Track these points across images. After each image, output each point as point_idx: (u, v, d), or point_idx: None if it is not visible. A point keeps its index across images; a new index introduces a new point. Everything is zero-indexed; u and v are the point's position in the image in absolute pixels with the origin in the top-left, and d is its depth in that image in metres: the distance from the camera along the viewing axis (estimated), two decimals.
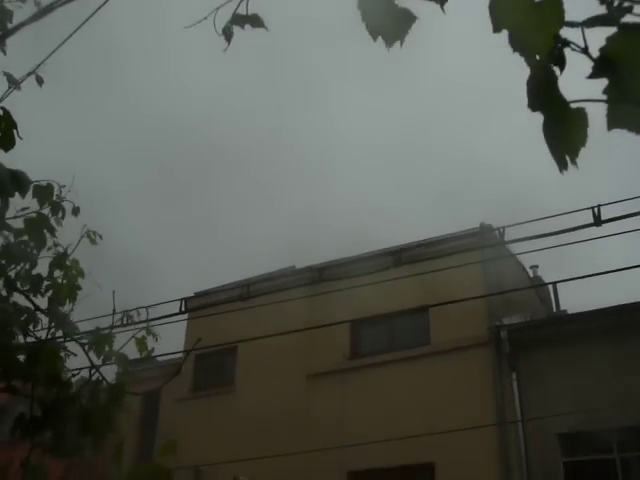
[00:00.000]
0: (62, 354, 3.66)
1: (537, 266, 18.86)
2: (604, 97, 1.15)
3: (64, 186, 4.00)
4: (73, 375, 3.51)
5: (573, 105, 1.18)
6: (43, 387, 3.43)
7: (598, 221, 5.16)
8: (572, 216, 5.66)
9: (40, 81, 3.65)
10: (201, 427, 16.89)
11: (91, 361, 3.60)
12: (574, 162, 1.22)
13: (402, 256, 10.42)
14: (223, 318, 14.24)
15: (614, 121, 1.15)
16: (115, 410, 3.35)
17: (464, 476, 13.52)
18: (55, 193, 3.74)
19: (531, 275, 18.94)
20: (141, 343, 3.89)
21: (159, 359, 19.26)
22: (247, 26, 3.46)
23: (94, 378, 3.47)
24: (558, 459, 13.02)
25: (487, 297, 14.89)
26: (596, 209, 5.19)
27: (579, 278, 5.52)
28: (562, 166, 1.21)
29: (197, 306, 9.22)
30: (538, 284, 18.14)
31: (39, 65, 3.45)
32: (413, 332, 15.97)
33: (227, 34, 3.54)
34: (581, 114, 1.19)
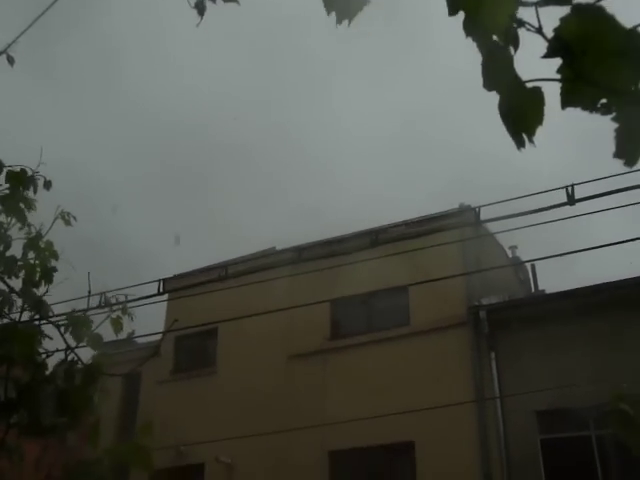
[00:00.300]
0: (38, 336, 3.66)
1: (516, 247, 19.00)
2: (558, 76, 1.17)
3: (37, 172, 3.99)
4: (48, 356, 3.52)
5: (529, 84, 1.20)
6: (19, 368, 3.44)
7: (572, 200, 5.21)
8: (549, 195, 5.72)
9: (11, 61, 3.61)
10: (182, 408, 16.92)
11: (66, 342, 3.60)
12: (531, 140, 1.24)
13: (380, 237, 10.48)
14: (203, 300, 14.25)
15: (568, 100, 1.17)
16: (91, 391, 3.37)
17: (443, 454, 13.69)
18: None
19: (510, 255, 19.09)
20: (116, 323, 3.90)
21: (140, 341, 19.27)
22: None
23: (70, 359, 3.47)
24: (535, 436, 13.20)
25: (466, 278, 15.03)
26: (570, 188, 5.24)
27: (556, 256, 5.60)
28: (519, 144, 1.23)
29: (176, 287, 9.21)
30: (516, 263, 18.30)
31: (10, 45, 3.42)
32: (393, 313, 16.06)
33: (199, 8, 3.51)
34: (537, 93, 1.21)
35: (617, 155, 1.15)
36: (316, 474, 14.89)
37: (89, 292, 3.97)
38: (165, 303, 17.40)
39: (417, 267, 13.47)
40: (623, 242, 5.65)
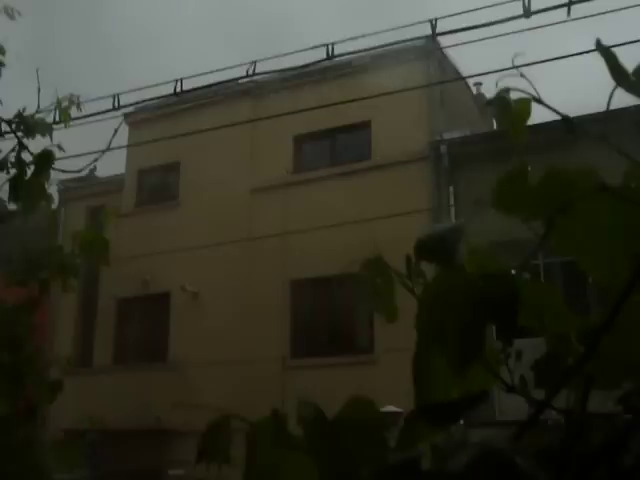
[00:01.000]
0: None
1: (481, 84, 18.92)
2: None
3: None
4: None
5: None
6: None
7: (527, 12, 5.17)
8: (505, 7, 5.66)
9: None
10: (147, 242, 17.12)
11: (16, 135, 3.61)
12: None
13: (342, 69, 10.21)
14: (165, 131, 14.14)
15: None
16: (44, 179, 3.43)
17: None
18: None
19: (474, 92, 19.05)
20: (65, 114, 3.89)
21: (102, 176, 19.25)
22: None
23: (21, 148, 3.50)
24: None
25: (429, 113, 15.08)
26: (526, 0, 5.19)
27: (507, 69, 5.59)
28: None
29: (131, 103, 9.09)
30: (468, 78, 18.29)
31: None
32: (355, 147, 16.14)
33: None
34: None
35: None
36: (278, 302, 15.47)
37: (38, 90, 3.93)
38: (127, 138, 17.26)
39: (380, 101, 13.38)
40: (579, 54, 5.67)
